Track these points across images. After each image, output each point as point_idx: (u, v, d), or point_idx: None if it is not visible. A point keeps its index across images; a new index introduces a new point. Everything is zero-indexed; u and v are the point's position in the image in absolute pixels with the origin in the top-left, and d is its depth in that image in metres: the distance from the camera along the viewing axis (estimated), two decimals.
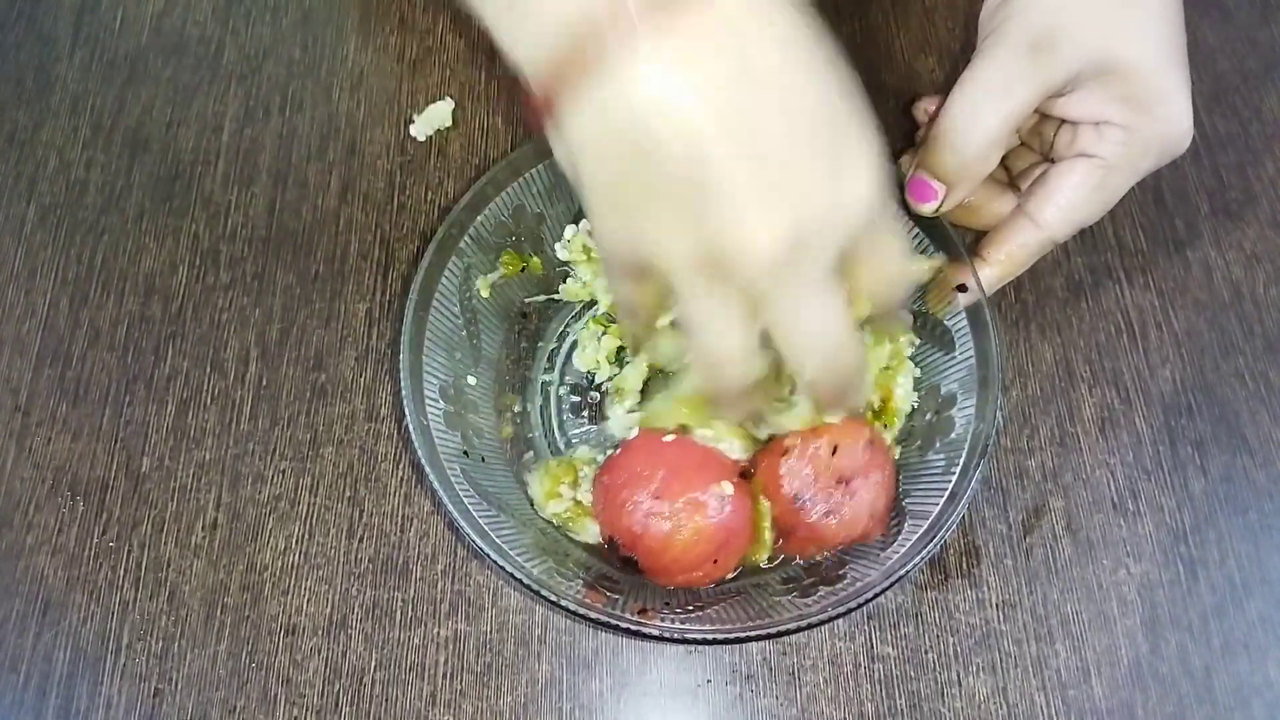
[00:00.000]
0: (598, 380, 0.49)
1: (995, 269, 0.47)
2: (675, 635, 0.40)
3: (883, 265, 0.34)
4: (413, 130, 0.55)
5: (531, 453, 0.47)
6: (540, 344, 0.50)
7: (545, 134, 0.32)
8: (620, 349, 0.48)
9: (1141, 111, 0.43)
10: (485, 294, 0.48)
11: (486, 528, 0.41)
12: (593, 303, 0.50)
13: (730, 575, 0.44)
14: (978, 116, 0.43)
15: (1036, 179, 0.47)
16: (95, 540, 0.47)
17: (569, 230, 0.49)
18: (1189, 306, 0.53)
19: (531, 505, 0.46)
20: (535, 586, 0.39)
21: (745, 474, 0.44)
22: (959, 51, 0.59)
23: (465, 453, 0.44)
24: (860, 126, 0.31)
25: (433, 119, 0.55)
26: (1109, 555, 0.47)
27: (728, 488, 0.42)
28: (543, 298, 0.50)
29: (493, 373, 0.49)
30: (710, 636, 0.40)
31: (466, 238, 0.47)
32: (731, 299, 0.32)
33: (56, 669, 0.44)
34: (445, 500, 0.41)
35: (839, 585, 0.42)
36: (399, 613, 0.46)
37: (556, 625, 0.45)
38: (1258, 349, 0.52)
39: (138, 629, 0.45)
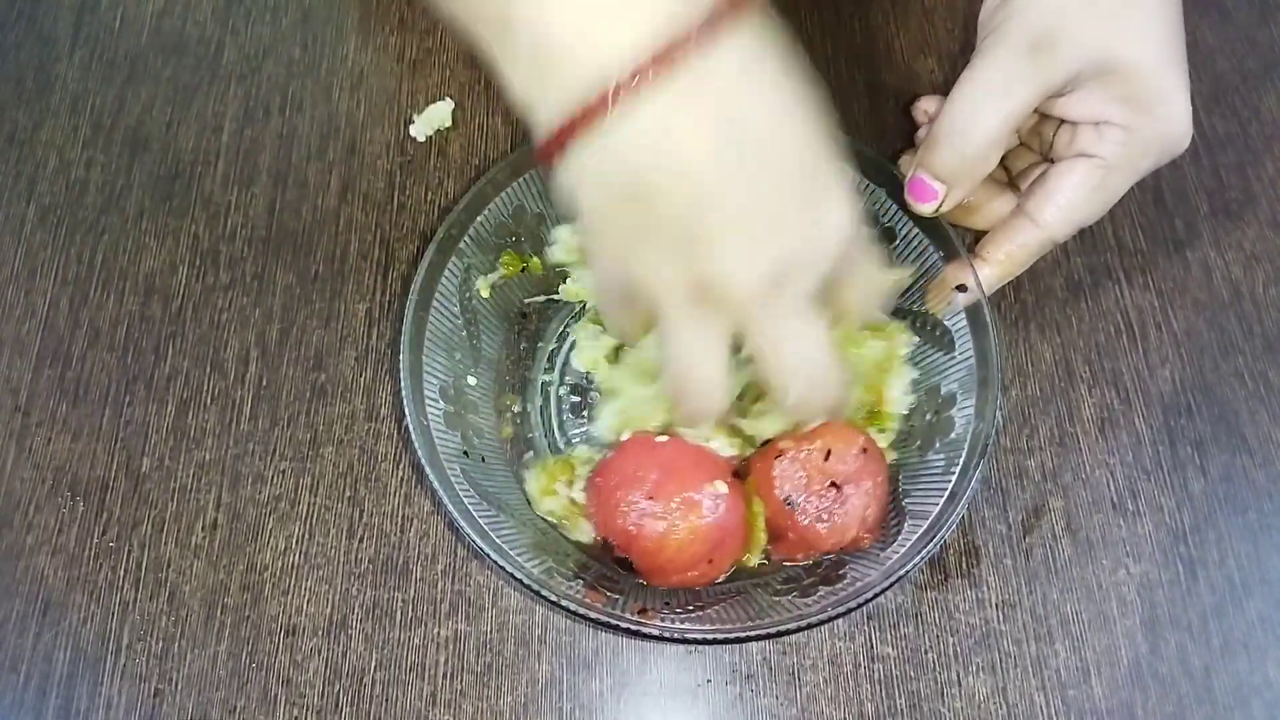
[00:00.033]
0: (597, 380, 0.49)
1: (995, 269, 0.47)
2: (675, 635, 0.40)
3: (860, 284, 0.37)
4: (413, 130, 0.55)
5: (531, 452, 0.48)
6: (540, 344, 0.50)
7: (549, 169, 0.34)
8: (618, 349, 0.48)
9: (1141, 111, 0.43)
10: (485, 294, 0.48)
11: (486, 528, 0.41)
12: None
13: (724, 576, 0.44)
14: (978, 116, 0.43)
15: (1036, 179, 0.47)
16: (95, 540, 0.47)
17: (559, 232, 0.49)
18: (1188, 306, 0.53)
19: (528, 502, 0.46)
20: (535, 586, 0.39)
21: (738, 474, 0.44)
22: (958, 52, 0.59)
23: (465, 453, 0.44)
24: (835, 168, 0.34)
25: (433, 119, 0.55)
26: (1109, 555, 0.47)
27: (721, 487, 0.42)
28: (543, 298, 0.50)
29: (493, 373, 0.49)
30: (710, 636, 0.40)
31: (466, 238, 0.47)
32: (714, 327, 0.35)
33: (57, 669, 0.44)
34: (445, 500, 0.41)
35: (839, 585, 0.42)
36: (399, 613, 0.46)
37: (557, 625, 0.45)
38: (1257, 349, 0.52)
39: (138, 629, 0.45)
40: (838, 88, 0.58)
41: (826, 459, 0.43)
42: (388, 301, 0.52)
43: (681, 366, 0.37)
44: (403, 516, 0.47)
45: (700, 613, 0.42)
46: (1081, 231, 0.46)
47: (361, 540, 0.47)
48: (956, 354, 0.46)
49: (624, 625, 0.39)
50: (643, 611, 0.41)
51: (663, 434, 0.44)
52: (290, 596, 0.46)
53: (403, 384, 0.43)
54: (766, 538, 0.44)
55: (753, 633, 0.40)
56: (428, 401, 0.44)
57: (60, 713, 0.44)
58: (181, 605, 0.45)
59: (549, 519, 0.45)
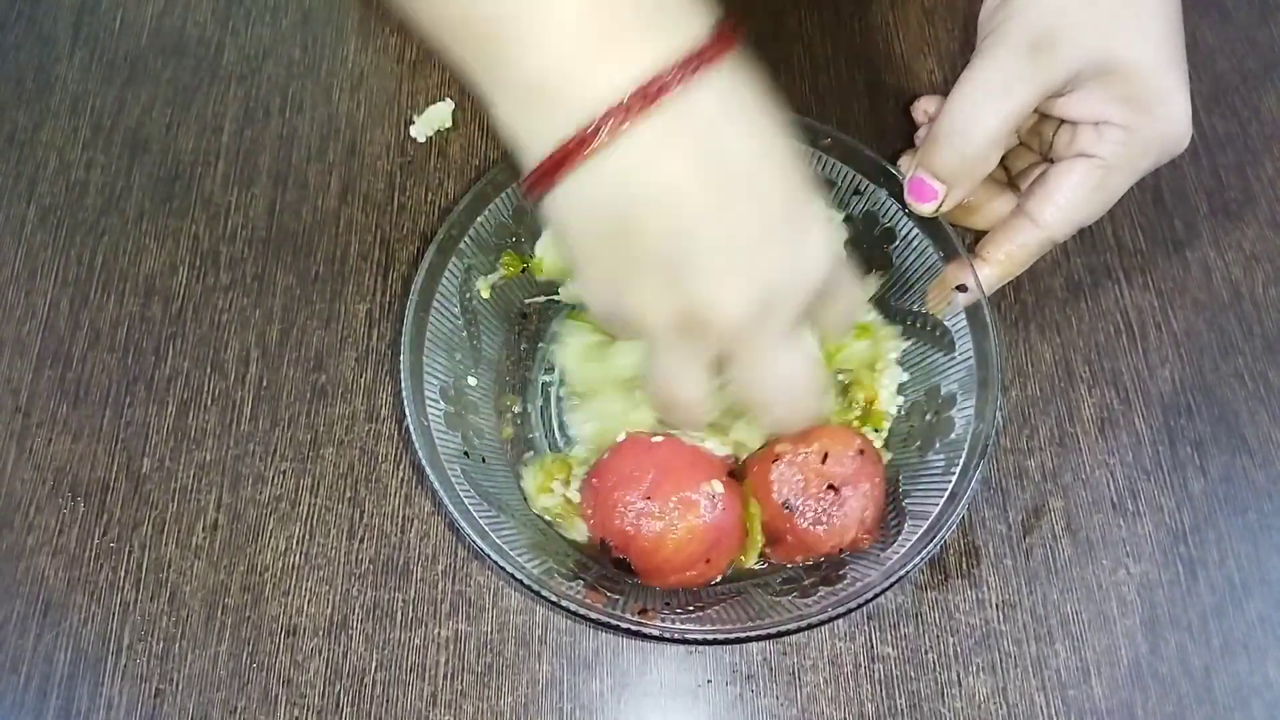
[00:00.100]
0: (569, 378, 0.49)
1: (995, 269, 0.47)
2: (676, 635, 0.40)
3: (839, 306, 0.39)
4: (413, 131, 0.56)
5: (531, 453, 0.48)
6: (540, 345, 0.50)
7: (536, 200, 0.34)
8: (599, 346, 0.48)
9: (1141, 111, 0.43)
10: (485, 295, 0.48)
11: (487, 528, 0.41)
12: None
13: (721, 576, 0.44)
14: (977, 116, 0.43)
15: (1036, 179, 0.47)
16: (96, 541, 0.47)
17: (542, 239, 0.49)
18: (1188, 306, 0.53)
19: (525, 499, 0.46)
20: (536, 587, 0.39)
21: (733, 474, 0.44)
22: (958, 52, 0.59)
23: (466, 453, 0.44)
24: (814, 200, 0.35)
25: (433, 120, 0.55)
26: (1109, 555, 0.47)
27: (718, 486, 0.42)
28: (543, 298, 0.50)
29: (493, 373, 0.49)
30: (710, 637, 0.40)
31: (467, 238, 0.47)
32: (698, 353, 0.36)
33: (57, 670, 0.44)
34: (446, 501, 0.41)
35: (839, 585, 0.42)
36: (400, 613, 0.46)
37: (557, 626, 0.45)
38: (1257, 349, 0.52)
39: (138, 630, 0.45)
40: (838, 88, 0.58)
41: (824, 462, 0.43)
42: (388, 302, 0.52)
43: (665, 385, 0.38)
44: (403, 517, 0.47)
45: (701, 613, 0.42)
46: (1081, 231, 0.46)
47: (362, 541, 0.47)
48: (956, 354, 0.46)
49: (624, 625, 0.39)
50: (643, 612, 0.41)
51: (657, 435, 0.44)
52: (291, 597, 0.46)
53: (403, 385, 0.43)
54: (764, 540, 0.44)
55: (753, 633, 0.40)
56: (428, 402, 0.44)
57: (61, 713, 0.44)
58: (182, 606, 0.45)
59: (545, 516, 0.45)
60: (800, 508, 0.42)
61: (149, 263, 0.52)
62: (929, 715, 0.44)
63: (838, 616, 0.40)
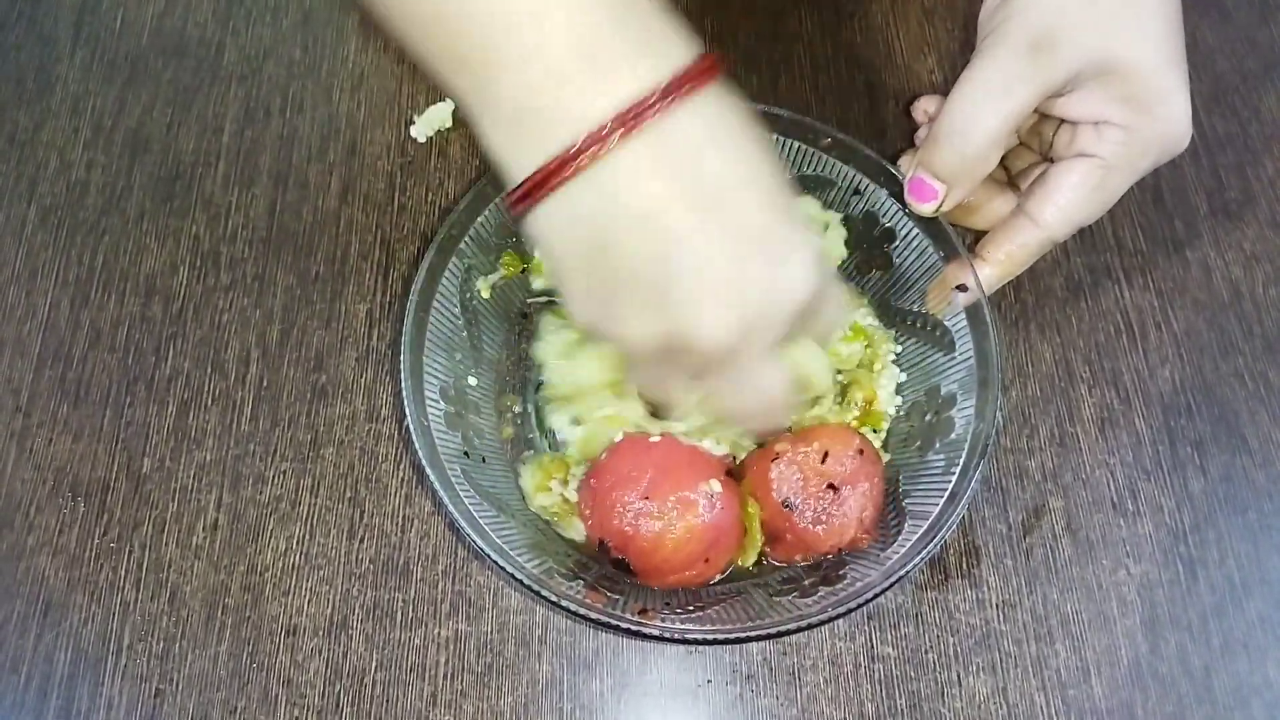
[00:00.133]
0: (546, 374, 0.49)
1: (995, 269, 0.47)
2: (676, 635, 0.40)
3: (822, 321, 0.39)
4: (413, 131, 0.56)
5: (531, 452, 0.48)
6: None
7: (519, 217, 0.35)
8: (579, 343, 0.48)
9: (1141, 111, 0.43)
10: (486, 295, 0.48)
11: (487, 528, 0.41)
12: None
13: (720, 576, 0.44)
14: (978, 116, 0.43)
15: (1036, 179, 0.47)
16: (96, 541, 0.47)
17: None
18: (1188, 306, 0.53)
19: (522, 498, 0.46)
20: (536, 587, 0.39)
21: (730, 472, 0.44)
22: (958, 52, 0.59)
23: (466, 453, 0.44)
24: (797, 225, 0.35)
25: (433, 120, 0.55)
26: (1109, 555, 0.47)
27: (716, 486, 0.42)
28: (543, 298, 0.50)
29: (493, 373, 0.49)
30: (711, 636, 0.40)
31: (467, 238, 0.47)
32: (678, 370, 0.37)
33: (58, 670, 0.44)
34: (446, 501, 0.41)
35: (839, 585, 0.42)
36: (400, 613, 0.46)
37: (557, 626, 0.45)
38: (1257, 349, 0.52)
39: (139, 630, 0.45)
40: (838, 88, 0.58)
41: (824, 461, 0.43)
42: (388, 302, 0.52)
43: (648, 390, 0.42)
44: (403, 517, 0.47)
45: (701, 613, 0.42)
46: (1081, 231, 0.46)
47: (362, 541, 0.47)
48: (956, 354, 0.46)
49: (624, 625, 0.39)
50: (643, 612, 0.41)
51: (652, 435, 0.44)
52: (291, 597, 0.46)
53: (403, 385, 0.43)
54: (763, 539, 0.44)
55: (753, 633, 0.40)
56: (428, 402, 0.44)
57: (61, 713, 0.44)
58: (182, 606, 0.45)
59: (543, 515, 0.45)
60: (799, 507, 0.42)
61: (149, 263, 0.52)
62: (929, 715, 0.44)
63: (838, 616, 0.40)
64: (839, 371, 0.48)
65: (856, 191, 0.48)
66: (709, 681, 0.45)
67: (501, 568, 0.40)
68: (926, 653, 0.45)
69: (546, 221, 0.34)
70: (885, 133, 0.56)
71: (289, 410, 0.49)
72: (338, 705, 0.44)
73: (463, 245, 0.46)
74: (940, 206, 0.45)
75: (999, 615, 0.46)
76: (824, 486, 0.42)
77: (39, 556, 0.46)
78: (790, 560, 0.44)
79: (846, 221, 0.49)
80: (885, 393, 0.48)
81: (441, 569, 0.46)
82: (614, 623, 0.39)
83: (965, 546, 0.47)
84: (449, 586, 0.46)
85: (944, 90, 0.45)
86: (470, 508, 0.41)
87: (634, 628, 0.39)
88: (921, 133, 0.53)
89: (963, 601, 0.46)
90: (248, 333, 0.51)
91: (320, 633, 0.45)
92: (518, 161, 0.33)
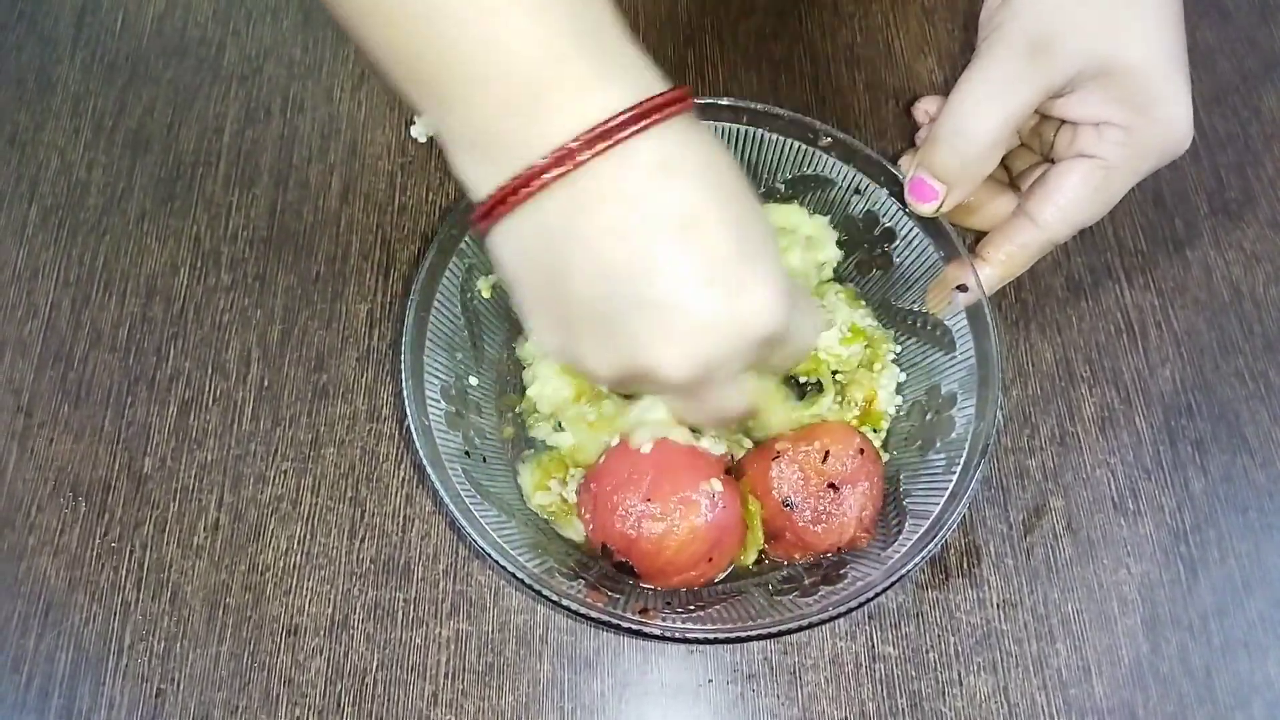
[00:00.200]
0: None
1: (995, 269, 0.47)
2: (677, 635, 0.40)
3: (789, 348, 0.38)
4: (413, 131, 0.56)
5: (531, 452, 0.48)
6: None
7: (482, 237, 0.35)
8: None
9: (1141, 112, 0.43)
10: (486, 294, 0.48)
11: (488, 528, 0.41)
12: None
13: (722, 575, 0.44)
14: (978, 117, 0.43)
15: (1037, 179, 0.47)
16: (97, 541, 0.47)
17: None
18: (1189, 306, 0.53)
19: (521, 496, 0.46)
20: (537, 586, 0.39)
21: (729, 471, 0.44)
22: (958, 52, 0.59)
23: (467, 453, 0.44)
24: (763, 251, 0.34)
25: (433, 120, 0.55)
26: (1109, 555, 0.47)
27: (717, 485, 0.42)
28: None
29: (494, 373, 0.49)
30: (712, 636, 0.40)
31: (467, 238, 0.47)
32: (645, 389, 0.39)
33: (59, 670, 0.44)
34: (447, 500, 0.41)
35: (840, 585, 0.42)
36: (401, 613, 0.46)
37: (558, 625, 0.46)
38: (1257, 349, 0.52)
39: (140, 630, 0.45)
40: (838, 88, 0.58)
41: (824, 460, 0.43)
42: (389, 302, 0.52)
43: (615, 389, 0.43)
44: (404, 517, 0.47)
45: (702, 612, 0.42)
46: (1082, 231, 0.46)
47: (363, 540, 0.47)
48: (957, 354, 0.46)
49: (625, 625, 0.39)
50: (644, 611, 0.41)
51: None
52: (292, 596, 0.46)
53: (404, 384, 0.43)
54: (763, 537, 0.44)
55: (754, 632, 0.40)
56: (429, 402, 0.44)
57: (62, 713, 0.44)
58: (183, 605, 0.45)
59: (541, 514, 0.45)
60: (799, 505, 0.42)
61: (150, 263, 0.52)
62: (930, 714, 0.44)
63: (839, 616, 0.40)
64: (838, 372, 0.48)
65: (856, 191, 0.48)
66: (710, 681, 0.45)
67: (502, 567, 0.40)
68: (927, 652, 0.45)
69: (503, 241, 0.34)
70: (885, 133, 0.56)
71: (290, 410, 0.49)
72: (339, 705, 0.44)
73: (463, 245, 0.46)
74: (940, 207, 0.45)
75: (1000, 614, 0.46)
76: (824, 486, 0.42)
77: (40, 556, 0.46)
78: (790, 558, 0.44)
79: (847, 221, 0.49)
80: (885, 392, 0.48)
81: (442, 568, 0.46)
82: (615, 622, 0.39)
83: (966, 546, 0.47)
84: (450, 586, 0.46)
85: (944, 90, 0.45)
86: (471, 507, 0.41)
87: (635, 627, 0.39)
88: (922, 133, 0.53)
89: (963, 601, 0.46)
90: (249, 333, 0.51)
91: (321, 632, 0.45)
92: (478, 183, 0.33)
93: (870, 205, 0.48)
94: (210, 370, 0.50)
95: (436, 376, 0.45)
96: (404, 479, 0.48)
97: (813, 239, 0.50)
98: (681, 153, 0.33)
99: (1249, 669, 0.46)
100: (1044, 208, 0.45)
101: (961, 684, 0.45)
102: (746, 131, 0.48)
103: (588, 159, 0.31)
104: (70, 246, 0.53)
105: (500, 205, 0.32)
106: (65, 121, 0.56)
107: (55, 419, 0.49)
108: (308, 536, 0.47)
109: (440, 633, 0.45)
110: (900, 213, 0.47)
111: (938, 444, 0.45)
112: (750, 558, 0.44)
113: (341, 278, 0.52)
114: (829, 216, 0.50)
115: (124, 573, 0.46)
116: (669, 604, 0.42)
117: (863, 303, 0.50)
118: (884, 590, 0.40)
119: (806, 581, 0.43)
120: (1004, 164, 0.51)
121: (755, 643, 0.45)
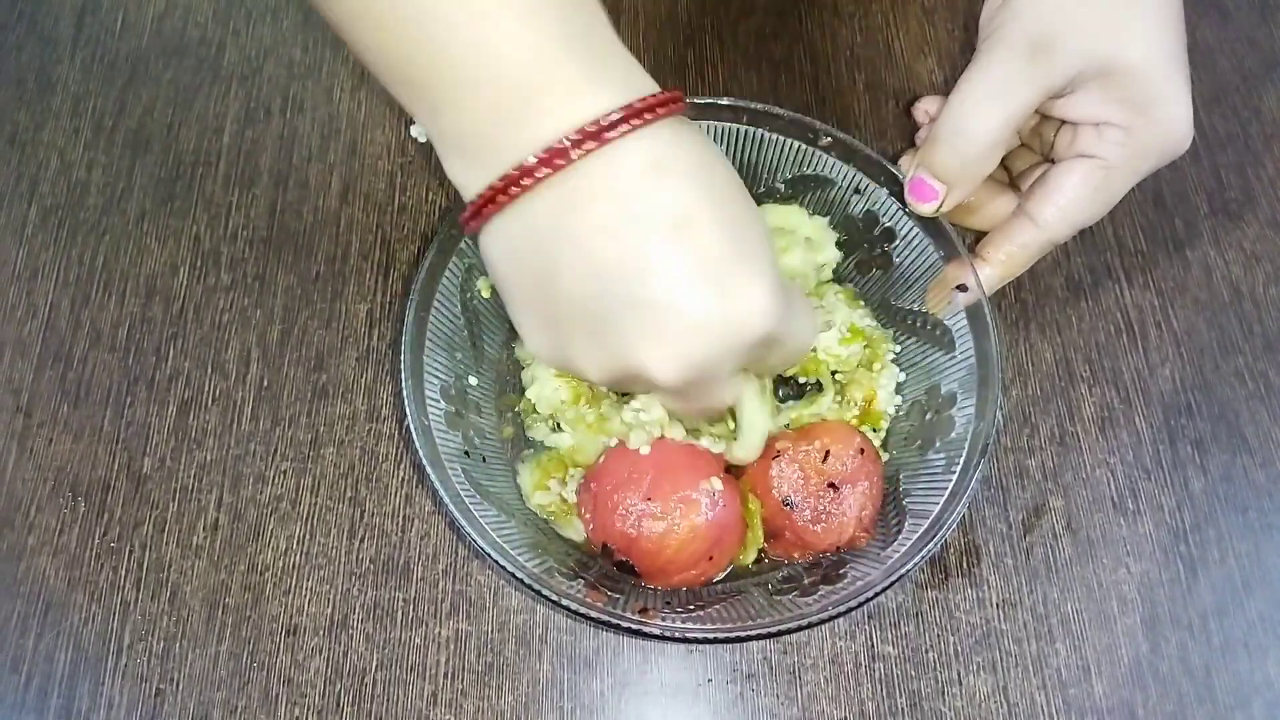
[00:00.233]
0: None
1: (995, 269, 0.47)
2: (676, 634, 0.40)
3: (785, 348, 0.37)
4: (413, 131, 0.55)
5: (531, 452, 0.48)
6: None
7: (472, 236, 0.35)
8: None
9: (1141, 113, 0.43)
10: (486, 294, 0.48)
11: (487, 527, 0.41)
12: None
13: (721, 574, 0.44)
14: (978, 117, 0.43)
15: (1037, 180, 0.47)
16: (96, 541, 0.47)
17: None
18: (1189, 306, 0.53)
19: (520, 496, 0.46)
20: (536, 586, 0.39)
21: (728, 469, 0.44)
22: (958, 52, 0.59)
23: (466, 453, 0.44)
24: (757, 252, 0.34)
25: None
26: (1109, 554, 0.47)
27: (717, 484, 0.42)
28: None
29: (494, 373, 0.49)
30: (711, 636, 0.40)
31: (467, 238, 0.47)
32: (638, 388, 0.38)
33: (58, 670, 0.44)
34: (446, 500, 0.41)
35: (840, 584, 0.42)
36: (400, 613, 0.46)
37: (558, 625, 0.46)
38: (1257, 348, 0.52)
39: (139, 630, 0.45)
40: (838, 88, 0.58)
41: (825, 460, 0.43)
42: (389, 302, 0.52)
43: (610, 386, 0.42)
44: (404, 516, 0.47)
45: (701, 612, 0.42)
46: (1081, 231, 0.46)
47: (362, 540, 0.47)
48: (957, 354, 0.46)
49: (625, 625, 0.39)
50: (644, 611, 0.41)
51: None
52: (291, 596, 0.46)
53: (404, 384, 0.43)
54: (763, 536, 0.44)
55: (754, 632, 0.40)
56: (429, 402, 0.44)
57: (62, 713, 0.44)
58: (183, 605, 0.45)
59: (540, 514, 0.45)
60: (799, 505, 0.42)
61: (150, 263, 0.52)
62: (929, 714, 0.44)
63: (838, 615, 0.40)
64: (837, 372, 0.48)
65: (856, 191, 0.48)
66: (710, 680, 0.45)
67: (502, 567, 0.40)
68: (927, 651, 0.45)
69: (492, 240, 0.34)
70: (885, 133, 0.56)
71: (289, 410, 0.49)
72: (338, 705, 0.44)
73: (463, 245, 0.46)
74: (940, 207, 0.45)
75: (999, 614, 0.46)
76: (824, 485, 0.42)
77: (39, 556, 0.46)
78: (790, 558, 0.44)
79: (847, 221, 0.49)
80: (885, 392, 0.48)
81: (442, 568, 0.46)
82: (615, 622, 0.39)
83: (965, 545, 0.47)
84: (449, 586, 0.46)
85: (944, 90, 0.45)
86: (471, 507, 0.41)
87: (635, 627, 0.39)
88: (922, 133, 0.53)
89: (963, 600, 0.46)
90: (248, 333, 0.51)
91: (321, 632, 0.45)
92: (467, 183, 0.33)
93: (870, 205, 0.48)
94: (210, 370, 0.50)
95: (436, 376, 0.45)
96: (403, 479, 0.48)
97: (812, 240, 0.50)
98: (674, 153, 0.32)
99: (1249, 669, 0.46)
100: (1044, 208, 0.45)
101: (961, 684, 0.45)
102: (746, 131, 0.48)
103: (578, 158, 0.31)
104: (70, 246, 0.53)
105: (490, 204, 0.32)
106: (65, 121, 0.56)
107: (55, 419, 0.49)
108: (307, 536, 0.47)
109: (440, 632, 0.45)
110: (900, 213, 0.47)
111: (937, 444, 0.45)
112: (750, 557, 0.44)
113: (341, 277, 0.52)
114: (829, 216, 0.50)
115: (123, 573, 0.46)
116: (668, 604, 0.42)
117: (862, 303, 0.50)
118: (884, 590, 0.40)
119: (806, 581, 0.43)
120: (1004, 164, 0.51)
121: (755, 642, 0.45)
